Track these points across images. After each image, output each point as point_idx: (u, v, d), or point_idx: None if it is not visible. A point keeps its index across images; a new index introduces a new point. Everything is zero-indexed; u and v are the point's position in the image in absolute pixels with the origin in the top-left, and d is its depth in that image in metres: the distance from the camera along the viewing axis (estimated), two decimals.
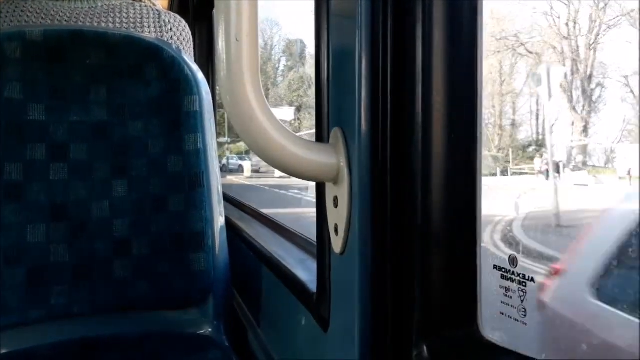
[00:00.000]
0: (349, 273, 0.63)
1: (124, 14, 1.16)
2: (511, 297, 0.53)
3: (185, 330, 1.06)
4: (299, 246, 1.13)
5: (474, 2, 0.56)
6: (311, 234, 0.94)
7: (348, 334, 0.63)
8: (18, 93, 0.97)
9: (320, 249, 0.72)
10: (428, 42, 0.55)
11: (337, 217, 0.65)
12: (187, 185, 1.03)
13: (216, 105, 1.87)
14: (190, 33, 1.26)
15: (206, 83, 1.07)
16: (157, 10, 1.21)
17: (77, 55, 1.00)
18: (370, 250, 0.60)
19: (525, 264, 0.53)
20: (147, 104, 1.03)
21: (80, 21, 1.13)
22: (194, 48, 1.28)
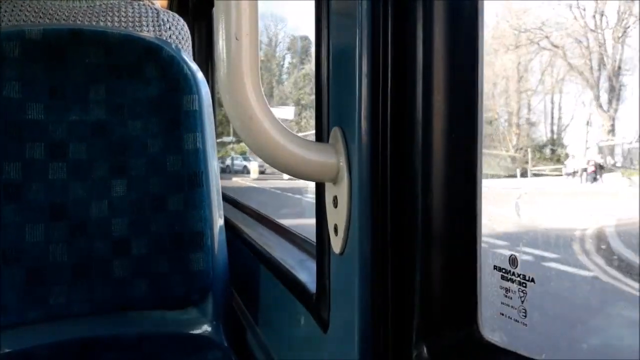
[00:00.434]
0: (348, 273, 0.63)
1: (123, 13, 1.16)
2: (511, 298, 0.53)
3: (184, 331, 1.06)
4: (298, 246, 1.13)
5: (474, 1, 0.55)
6: None
7: (347, 334, 0.63)
8: (17, 92, 0.97)
9: (320, 249, 0.72)
10: (428, 41, 0.55)
11: (337, 217, 0.64)
12: (186, 184, 1.03)
13: (216, 105, 1.86)
14: (189, 32, 1.25)
15: (205, 82, 1.07)
16: (155, 9, 1.20)
17: (76, 54, 1.00)
18: (369, 250, 0.60)
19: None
20: (146, 103, 1.03)
21: (79, 20, 1.13)
22: (193, 47, 1.28)
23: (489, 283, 0.55)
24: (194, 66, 1.04)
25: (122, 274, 1.02)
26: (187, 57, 1.05)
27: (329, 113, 0.67)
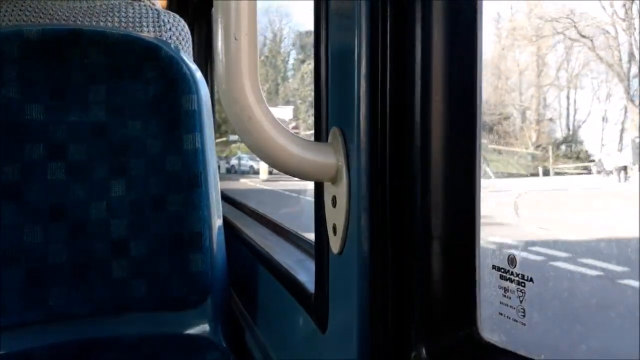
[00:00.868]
0: (347, 273, 0.62)
1: (123, 13, 1.16)
2: (510, 298, 0.53)
3: (183, 332, 1.06)
4: (297, 246, 1.13)
5: (473, 2, 0.55)
6: None
7: (346, 334, 0.63)
8: (16, 92, 0.97)
9: (319, 249, 0.72)
10: (427, 41, 0.55)
11: (336, 217, 0.64)
12: (186, 185, 1.03)
13: (215, 104, 1.86)
14: (189, 32, 1.25)
15: (205, 82, 1.07)
16: (156, 10, 1.20)
17: (75, 54, 1.00)
18: (368, 250, 0.60)
19: None
20: (145, 103, 1.03)
21: (79, 20, 1.13)
22: (193, 47, 1.28)
23: (487, 283, 0.55)
24: (193, 66, 1.04)
25: (121, 275, 1.02)
26: (187, 57, 1.05)
27: (328, 113, 0.67)
